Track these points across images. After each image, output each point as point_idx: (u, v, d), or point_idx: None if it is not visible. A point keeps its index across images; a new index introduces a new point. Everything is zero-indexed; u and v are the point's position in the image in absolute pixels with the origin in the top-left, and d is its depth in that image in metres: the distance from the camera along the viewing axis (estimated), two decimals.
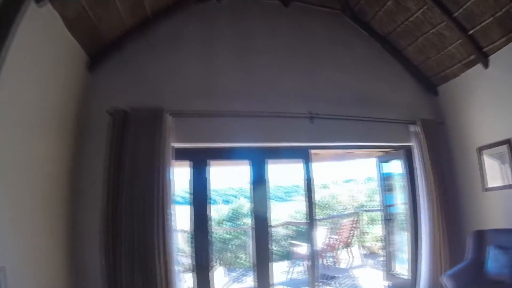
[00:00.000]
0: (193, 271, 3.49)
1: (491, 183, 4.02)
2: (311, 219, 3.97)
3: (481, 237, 3.60)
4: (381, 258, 6.28)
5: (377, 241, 7.02)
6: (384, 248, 5.10)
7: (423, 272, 3.98)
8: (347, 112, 4.04)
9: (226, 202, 12.45)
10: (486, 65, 4.08)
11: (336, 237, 6.38)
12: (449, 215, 4.16)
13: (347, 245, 6.54)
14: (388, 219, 4.92)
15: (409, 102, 4.68)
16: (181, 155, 3.41)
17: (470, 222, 4.24)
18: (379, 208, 9.39)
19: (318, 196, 10.62)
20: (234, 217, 10.02)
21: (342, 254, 6.66)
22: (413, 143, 4.34)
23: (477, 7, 3.65)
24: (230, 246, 8.00)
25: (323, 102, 3.99)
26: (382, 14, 4.38)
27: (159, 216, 2.93)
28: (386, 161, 5.16)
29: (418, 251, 4.20)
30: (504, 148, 3.87)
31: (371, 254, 6.74)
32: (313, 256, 4.01)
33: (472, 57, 4.17)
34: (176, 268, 3.08)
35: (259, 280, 3.62)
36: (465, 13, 3.77)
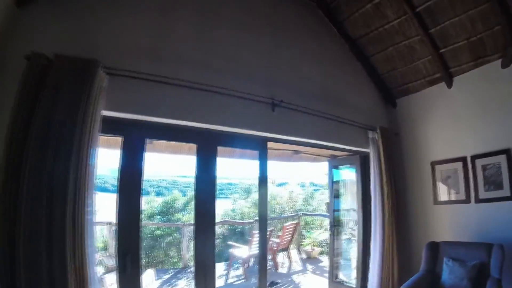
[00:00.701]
0: (117, 272, 2.65)
1: (441, 197, 4.21)
2: (262, 220, 3.60)
3: (435, 248, 3.66)
4: (321, 264, 6.30)
5: (316, 246, 7.02)
6: (329, 254, 5.02)
7: (373, 281, 3.95)
8: (311, 106, 3.72)
9: (159, 194, 11.51)
10: (449, 85, 4.25)
11: (277, 240, 6.18)
12: (400, 225, 4.23)
13: (286, 248, 6.39)
14: (335, 225, 4.82)
15: (369, 108, 4.68)
16: (111, 127, 2.60)
17: (420, 233, 4.37)
18: (320, 213, 9.77)
19: (256, 195, 10.45)
20: (166, 211, 9.25)
21: (280, 258, 6.50)
22: (370, 150, 4.30)
23: (453, 28, 3.75)
24: (161, 243, 7.30)
25: (285, 91, 3.59)
26: (358, 16, 4.25)
27: (75, 205, 2.12)
28: (338, 166, 5.11)
29: (367, 259, 4.17)
30: (458, 165, 4.05)
31: (310, 259, 6.71)
32: (263, 259, 3.62)
33: (437, 75, 4.30)
34: (96, 270, 2.35)
35: (198, 284, 3.01)
36: (440, 31, 3.84)
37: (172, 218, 8.94)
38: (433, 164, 4.33)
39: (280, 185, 11.84)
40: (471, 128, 3.98)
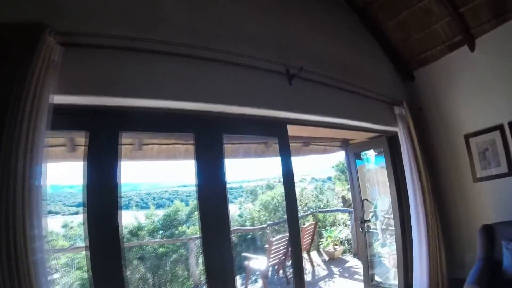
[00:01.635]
0: None
1: (481, 173, 3.73)
2: (294, 223, 2.88)
3: (490, 231, 3.22)
4: (348, 264, 5.76)
5: (338, 244, 6.46)
6: (361, 253, 4.49)
7: (421, 278, 3.42)
8: (331, 77, 3.09)
9: (160, 206, 10.76)
10: (472, 48, 3.81)
11: None
12: (443, 211, 3.76)
13: (307, 252, 5.85)
14: (365, 221, 4.28)
15: (389, 83, 4.20)
16: (69, 121, 1.91)
17: (462, 216, 3.90)
18: (334, 208, 9.26)
19: (264, 197, 9.87)
20: (169, 225, 8.63)
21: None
22: (399, 128, 3.78)
23: None
24: (167, 261, 6.70)
25: (301, 60, 2.90)
26: None
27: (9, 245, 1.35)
28: (360, 152, 4.58)
29: (408, 254, 3.69)
30: (495, 135, 3.61)
31: (333, 260, 6.15)
32: (298, 268, 3.02)
33: (458, 38, 3.85)
34: None
35: None
36: None
37: (176, 231, 8.31)
38: (467, 137, 3.86)
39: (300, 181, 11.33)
40: (503, 92, 3.57)
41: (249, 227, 8.08)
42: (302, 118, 2.96)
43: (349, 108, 3.27)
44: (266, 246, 5.27)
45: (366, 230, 4.22)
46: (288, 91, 2.75)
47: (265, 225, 6.71)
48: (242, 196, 13.91)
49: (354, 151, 4.56)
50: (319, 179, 15.94)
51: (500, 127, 3.56)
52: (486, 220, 3.41)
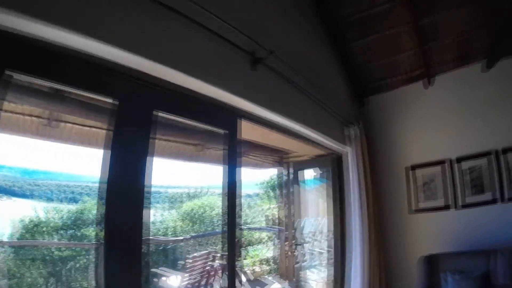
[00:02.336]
0: None
1: (419, 205, 3.82)
2: (232, 239, 2.38)
3: (431, 262, 3.19)
4: (273, 286, 5.40)
5: (261, 264, 6.09)
6: (285, 276, 4.18)
7: None
8: (295, 79, 2.75)
9: (72, 200, 9.09)
10: (429, 84, 3.97)
11: (219, 262, 5.08)
12: (383, 238, 3.70)
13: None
14: (300, 243, 4.00)
15: (342, 102, 4.03)
16: None
17: (398, 246, 3.89)
18: (268, 226, 8.89)
19: (191, 205, 9.15)
20: (72, 225, 7.31)
21: (217, 282, 5.44)
22: (349, 149, 3.66)
23: (445, 22, 3.47)
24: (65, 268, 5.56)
25: (268, 47, 2.33)
26: None
27: None
28: (303, 169, 4.36)
29: (343, 281, 3.51)
30: (437, 169, 3.74)
31: (255, 281, 5.74)
32: None
33: (417, 72, 3.98)
34: None
35: None
36: (431, 23, 3.50)
37: (79, 234, 7.05)
38: (409, 168, 3.95)
39: (219, 195, 10.69)
40: (452, 130, 3.76)
41: (169, 238, 7.24)
42: (258, 114, 2.52)
43: (307, 114, 2.98)
44: (188, 261, 4.64)
45: (298, 252, 3.93)
46: (250, 77, 2.28)
47: (188, 236, 6.01)
48: (166, 201, 12.83)
49: (296, 168, 4.36)
50: (246, 194, 15.68)
51: (442, 162, 3.70)
52: (423, 251, 3.41)
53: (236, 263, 2.17)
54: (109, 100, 1.67)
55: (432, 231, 3.69)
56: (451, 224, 3.59)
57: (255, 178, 11.77)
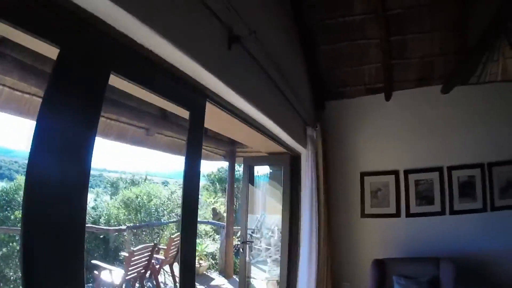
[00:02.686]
0: None
1: (370, 210, 4.00)
2: (190, 228, 2.03)
3: (382, 266, 3.34)
4: (214, 282, 5.25)
5: (204, 259, 5.89)
6: (239, 277, 4.08)
7: None
8: (268, 69, 2.56)
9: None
10: (388, 97, 4.14)
11: (161, 257, 4.80)
12: (334, 239, 3.78)
13: (170, 265, 5.10)
14: (247, 241, 3.92)
15: (305, 102, 3.96)
16: None
17: (348, 249, 4.03)
18: (212, 221, 8.56)
19: (127, 193, 8.55)
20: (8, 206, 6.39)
21: (162, 277, 5.16)
22: (308, 149, 3.63)
23: (415, 43, 3.67)
24: None
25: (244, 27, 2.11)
26: None
27: None
28: (258, 165, 4.30)
29: (292, 280, 3.50)
30: (390, 178, 3.95)
31: (197, 276, 5.52)
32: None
33: (379, 85, 4.12)
34: None
35: None
36: (400, 41, 3.68)
37: (12, 217, 6.18)
38: (363, 175, 4.10)
39: (164, 183, 10.16)
40: (404, 143, 3.99)
41: (103, 227, 6.65)
42: (227, 98, 2.20)
43: (274, 108, 2.81)
44: (125, 255, 4.28)
45: (245, 249, 3.85)
46: (224, 56, 2.00)
47: (124, 227, 5.58)
48: (100, 186, 11.91)
49: (248, 163, 4.20)
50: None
51: (396, 172, 3.91)
52: (373, 255, 3.59)
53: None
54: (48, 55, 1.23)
55: (382, 236, 3.90)
56: (400, 231, 3.82)
57: (202, 169, 11.51)
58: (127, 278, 4.01)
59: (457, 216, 3.69)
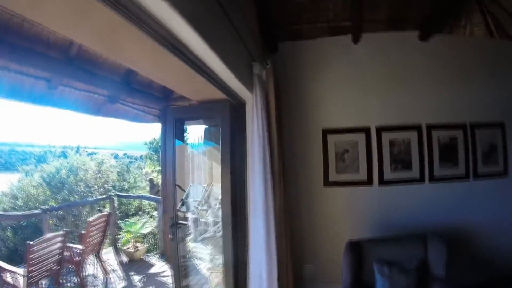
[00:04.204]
0: None
1: (335, 177, 3.28)
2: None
3: (357, 250, 2.61)
4: (153, 270, 4.40)
5: (140, 241, 4.95)
6: (172, 264, 3.29)
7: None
8: None
9: None
10: (357, 39, 3.39)
11: (80, 246, 3.80)
12: (293, 212, 3.02)
13: (96, 254, 4.13)
14: (176, 224, 3.03)
15: (252, 36, 2.94)
16: None
17: (310, 223, 3.32)
18: (142, 194, 7.52)
19: (48, 167, 7.12)
20: None
21: (90, 269, 4.21)
22: (254, 93, 2.64)
23: None
24: None
25: None
26: None
27: None
28: (188, 119, 3.23)
29: (239, 266, 2.71)
30: (359, 137, 3.26)
31: (134, 262, 4.62)
32: None
33: (346, 23, 3.31)
34: None
35: None
36: None
37: None
38: (326, 132, 3.32)
39: (89, 154, 8.71)
40: (378, 96, 3.32)
41: (10, 213, 5.30)
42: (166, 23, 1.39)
43: (217, 35, 1.86)
44: (33, 248, 3.22)
45: (177, 236, 2.98)
46: None
47: (38, 211, 4.35)
48: (28, 164, 10.08)
49: (176, 117, 3.01)
50: (132, 157, 13.85)
51: (366, 130, 3.22)
52: (342, 232, 3.03)
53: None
54: None
55: (350, 209, 3.27)
56: (373, 202, 3.23)
57: (142, 138, 10.28)
58: (29, 281, 3.02)
59: (437, 184, 3.20)
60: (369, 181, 3.21)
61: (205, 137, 3.46)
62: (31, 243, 2.98)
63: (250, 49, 2.64)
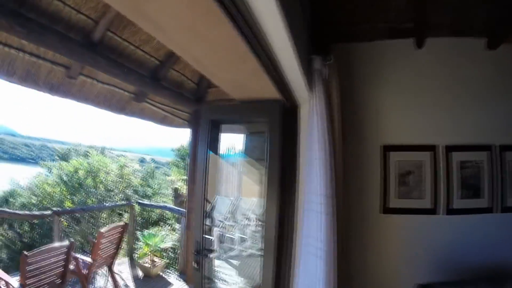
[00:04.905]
0: None
1: (396, 203, 2.70)
2: None
3: None
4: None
5: (158, 256, 4.55)
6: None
7: None
8: None
9: None
10: (421, 44, 2.86)
11: (89, 259, 3.42)
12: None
13: (108, 267, 3.74)
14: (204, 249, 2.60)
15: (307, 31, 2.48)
16: None
17: (363, 261, 2.73)
18: (165, 204, 7.11)
19: (66, 166, 6.91)
20: None
21: (100, 281, 3.85)
22: (314, 94, 2.11)
23: None
24: None
25: None
26: None
27: None
28: (225, 120, 2.74)
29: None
30: (425, 156, 2.70)
31: (150, 279, 4.21)
32: None
33: (408, 24, 2.80)
34: None
35: None
36: None
37: None
38: (386, 149, 2.78)
39: (117, 156, 8.54)
40: (445, 109, 2.77)
41: (19, 211, 5.04)
42: None
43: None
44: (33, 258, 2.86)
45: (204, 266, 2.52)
46: None
47: (49, 212, 4.01)
48: (54, 159, 10.10)
49: (212, 117, 2.54)
50: (159, 162, 13.70)
51: (432, 148, 2.67)
52: (398, 269, 2.54)
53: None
54: None
55: (413, 242, 2.69)
56: (438, 234, 2.65)
57: (169, 142, 10.14)
58: None
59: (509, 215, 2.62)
60: (434, 210, 2.65)
61: (242, 147, 3.05)
62: (26, 253, 2.60)
63: (307, 41, 2.21)
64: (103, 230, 3.48)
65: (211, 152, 2.73)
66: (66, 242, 2.98)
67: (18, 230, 5.58)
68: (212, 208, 4.14)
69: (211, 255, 3.47)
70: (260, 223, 3.54)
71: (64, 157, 9.83)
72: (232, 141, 3.78)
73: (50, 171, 7.54)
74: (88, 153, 8.28)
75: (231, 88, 2.28)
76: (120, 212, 5.95)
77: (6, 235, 5.48)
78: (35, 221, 5.27)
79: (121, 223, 3.89)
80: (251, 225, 4.34)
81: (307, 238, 2.06)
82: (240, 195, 4.21)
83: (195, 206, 2.76)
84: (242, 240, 4.17)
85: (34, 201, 6.09)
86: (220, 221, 4.30)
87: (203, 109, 2.91)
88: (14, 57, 2.58)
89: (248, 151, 3.02)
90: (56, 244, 2.98)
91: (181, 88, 3.87)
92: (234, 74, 1.96)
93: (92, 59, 2.70)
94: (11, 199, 6.58)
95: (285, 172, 2.26)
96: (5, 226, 5.47)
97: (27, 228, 5.55)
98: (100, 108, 3.64)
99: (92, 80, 3.29)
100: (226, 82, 2.19)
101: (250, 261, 3.92)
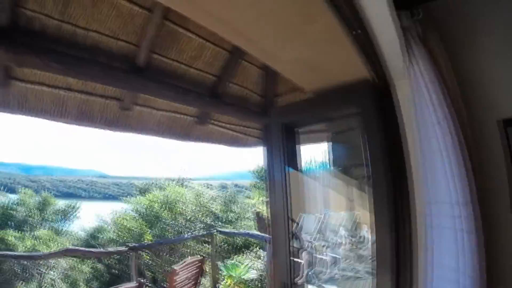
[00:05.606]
0: None
1: None
2: None
3: None
4: None
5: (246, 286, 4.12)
6: None
7: None
8: None
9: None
10: None
11: None
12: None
13: None
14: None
15: None
16: None
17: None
18: (253, 232, 6.64)
19: (143, 200, 7.02)
20: None
21: None
22: (413, 67, 1.56)
23: None
24: None
25: None
26: None
27: None
28: (303, 122, 2.29)
29: None
30: None
31: None
32: None
33: None
34: None
35: None
36: None
37: None
38: (507, 124, 1.91)
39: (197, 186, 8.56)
40: None
41: (94, 250, 5.06)
42: None
43: None
44: None
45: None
46: None
47: (124, 248, 3.85)
48: (133, 195, 10.65)
49: (284, 120, 2.12)
50: (242, 186, 13.75)
51: None
52: None
53: None
54: None
55: None
56: None
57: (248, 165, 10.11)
58: None
59: None
60: None
61: (326, 155, 2.55)
62: None
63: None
64: (176, 267, 3.19)
65: (289, 168, 2.27)
66: (133, 283, 2.75)
67: (107, 263, 5.77)
68: (299, 228, 3.65)
69: (299, 281, 2.97)
70: (353, 239, 3.30)
71: (143, 192, 10.26)
72: (312, 152, 3.30)
73: (132, 205, 7.86)
74: (163, 186, 8.45)
75: (299, 73, 1.80)
76: (204, 239, 5.76)
77: (96, 267, 5.71)
78: (115, 256, 5.39)
79: (198, 257, 3.60)
80: (344, 243, 3.75)
81: (440, 269, 1.45)
82: (328, 211, 3.68)
83: (278, 229, 2.25)
84: (334, 260, 3.62)
85: (112, 236, 6.28)
86: (308, 241, 3.80)
87: (273, 112, 2.49)
88: (65, 98, 2.57)
89: (335, 158, 2.49)
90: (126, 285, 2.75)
91: (245, 102, 3.58)
92: (301, 48, 1.47)
93: (141, 85, 2.60)
94: (99, 235, 6.91)
95: (396, 178, 1.64)
96: (94, 259, 5.72)
97: (115, 261, 5.71)
98: (164, 137, 3.55)
99: (149, 109, 3.15)
100: (291, 64, 1.69)
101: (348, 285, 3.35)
